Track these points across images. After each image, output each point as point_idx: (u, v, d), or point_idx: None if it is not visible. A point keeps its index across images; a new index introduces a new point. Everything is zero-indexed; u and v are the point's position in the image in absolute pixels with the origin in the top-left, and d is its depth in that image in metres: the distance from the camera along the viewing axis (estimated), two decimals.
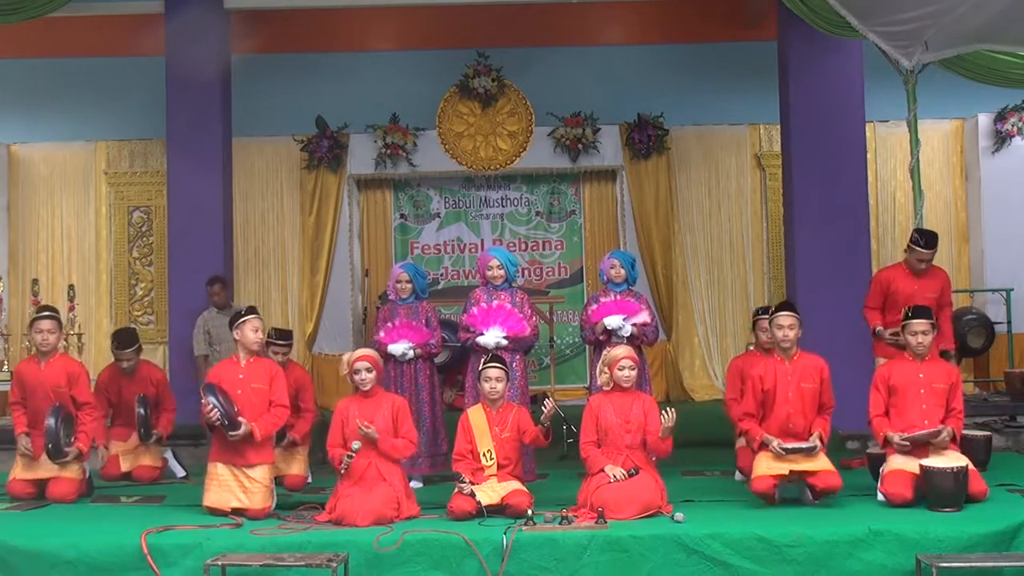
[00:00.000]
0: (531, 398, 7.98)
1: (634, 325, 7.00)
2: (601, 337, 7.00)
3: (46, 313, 6.73)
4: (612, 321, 6.97)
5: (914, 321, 6.08)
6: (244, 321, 6.11)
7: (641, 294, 7.41)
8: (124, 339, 7.58)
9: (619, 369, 5.88)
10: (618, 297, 7.16)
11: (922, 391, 5.98)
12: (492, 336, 6.87)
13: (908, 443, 5.80)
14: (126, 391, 7.51)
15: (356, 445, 5.70)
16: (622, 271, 7.25)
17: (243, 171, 10.69)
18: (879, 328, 7.06)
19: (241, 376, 6.04)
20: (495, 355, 6.15)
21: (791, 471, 5.79)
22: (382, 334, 7.11)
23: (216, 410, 5.77)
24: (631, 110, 10.88)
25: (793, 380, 6.02)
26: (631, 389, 5.95)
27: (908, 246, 7.05)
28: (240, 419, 5.86)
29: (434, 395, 7.21)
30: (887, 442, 5.92)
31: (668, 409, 5.72)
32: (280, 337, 7.45)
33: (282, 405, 6.11)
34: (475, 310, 7.00)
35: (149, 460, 7.39)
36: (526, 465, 6.40)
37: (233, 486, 5.87)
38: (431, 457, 7.06)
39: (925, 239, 6.97)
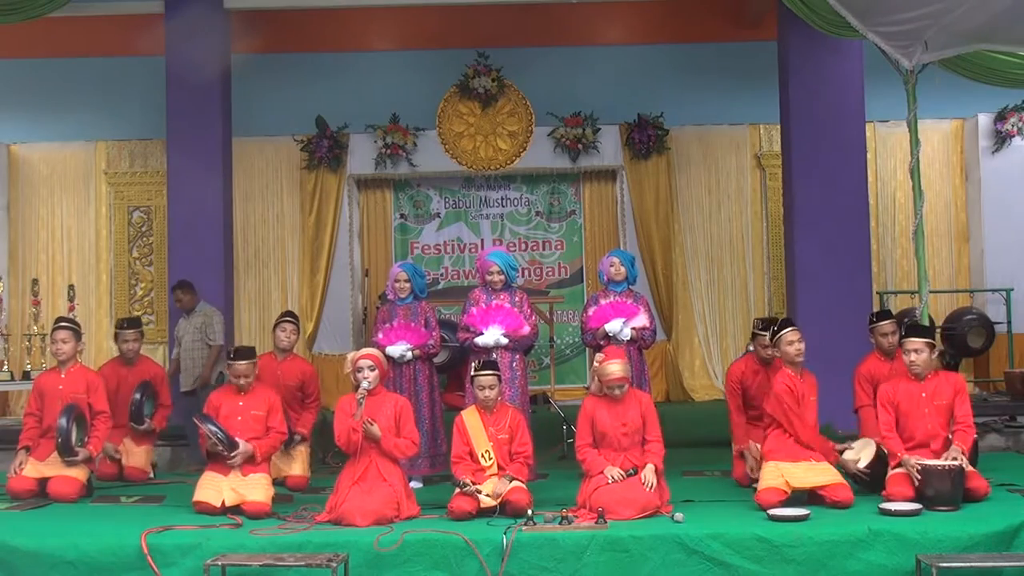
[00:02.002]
0: (531, 398, 7.98)
1: (633, 329, 6.99)
2: (601, 342, 6.99)
3: (62, 324, 6.81)
4: (612, 326, 6.96)
5: (908, 339, 5.96)
6: (230, 365, 6.29)
7: (641, 294, 7.39)
8: (126, 321, 7.81)
9: (608, 388, 5.85)
10: (617, 298, 7.14)
11: (926, 411, 5.90)
12: (491, 335, 6.85)
13: (920, 472, 5.63)
14: (124, 387, 7.47)
15: (364, 384, 5.76)
16: (622, 269, 7.24)
17: (243, 171, 10.70)
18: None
19: (241, 403, 6.23)
20: (487, 361, 6.09)
21: (800, 487, 5.76)
22: (380, 335, 7.10)
23: (215, 437, 5.92)
24: (631, 110, 10.87)
25: (806, 395, 6.03)
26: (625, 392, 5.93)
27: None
28: (237, 440, 6.01)
29: (433, 396, 7.20)
30: (900, 463, 5.79)
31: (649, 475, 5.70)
32: (288, 315, 7.70)
33: (279, 432, 6.32)
34: (474, 310, 6.99)
35: (140, 462, 7.39)
36: None
37: (227, 486, 5.90)
38: (430, 458, 7.06)
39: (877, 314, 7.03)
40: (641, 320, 7.04)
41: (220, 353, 8.25)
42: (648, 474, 5.66)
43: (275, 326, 7.63)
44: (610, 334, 6.94)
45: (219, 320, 8.48)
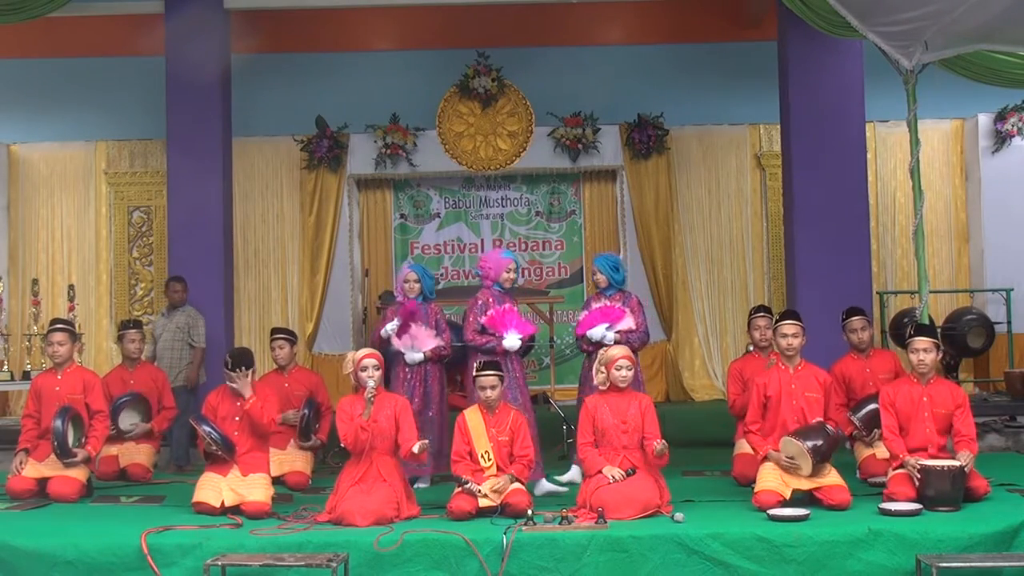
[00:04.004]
0: (531, 398, 7.97)
1: (618, 332, 6.90)
2: (590, 348, 6.93)
3: (58, 325, 6.82)
4: (595, 333, 6.90)
5: (917, 339, 5.94)
6: (224, 372, 6.25)
7: (632, 295, 7.26)
8: (131, 322, 7.88)
9: (616, 369, 5.87)
10: (606, 302, 7.06)
11: (925, 415, 5.88)
12: (513, 340, 6.78)
13: (920, 472, 5.64)
14: (128, 391, 7.53)
15: (371, 384, 5.75)
16: (602, 277, 7.13)
17: (243, 171, 10.70)
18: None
19: (238, 403, 6.20)
20: (488, 362, 6.07)
21: (798, 488, 5.75)
22: (397, 337, 7.10)
23: (211, 439, 5.92)
24: (631, 110, 10.87)
25: (797, 389, 6.02)
26: (628, 389, 5.94)
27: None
28: (234, 443, 6.02)
29: (442, 395, 7.24)
30: (902, 464, 5.80)
31: (658, 443, 5.68)
32: (278, 332, 7.72)
33: (271, 418, 6.26)
34: (492, 312, 6.88)
35: (142, 459, 7.40)
36: None
37: (227, 486, 5.91)
38: (437, 458, 7.04)
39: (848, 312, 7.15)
40: (626, 323, 6.95)
41: (203, 356, 8.34)
42: (656, 444, 5.65)
43: (270, 343, 7.72)
44: (593, 340, 6.90)
45: (202, 323, 8.43)
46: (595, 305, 7.10)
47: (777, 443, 5.92)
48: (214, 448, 5.94)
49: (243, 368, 6.11)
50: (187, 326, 8.32)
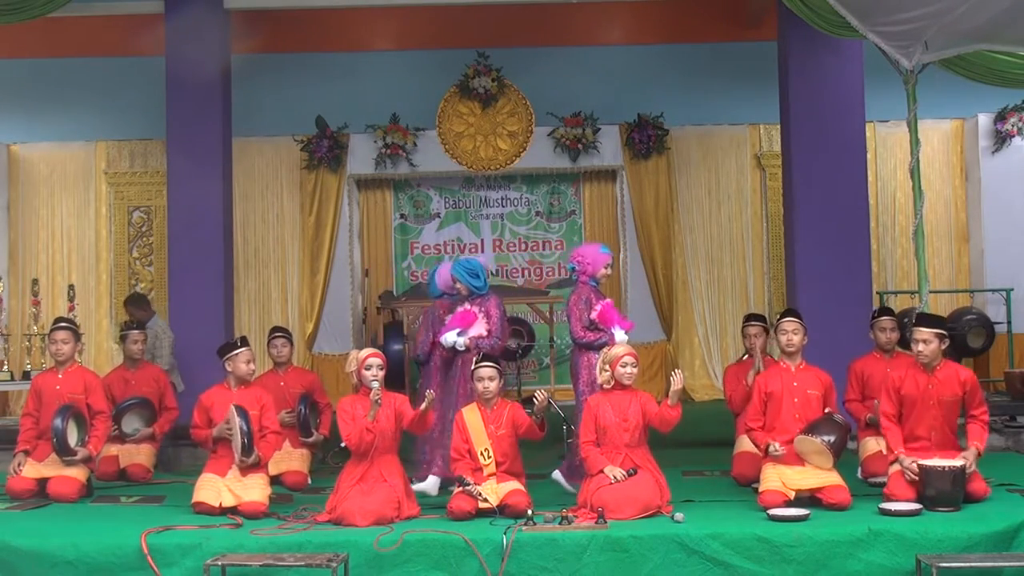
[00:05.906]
0: (528, 399, 7.95)
1: (469, 338, 6.70)
2: (447, 354, 6.79)
3: (61, 324, 6.83)
4: (446, 339, 6.73)
5: (917, 329, 5.92)
6: (237, 353, 6.27)
7: (492, 297, 6.92)
8: (134, 323, 7.88)
9: (621, 366, 5.87)
10: (466, 307, 6.83)
11: (932, 402, 5.86)
12: (622, 335, 6.62)
13: (920, 472, 5.64)
14: (130, 391, 7.55)
15: (376, 385, 5.77)
16: (461, 285, 6.88)
17: (243, 171, 10.70)
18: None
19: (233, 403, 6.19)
20: (486, 354, 6.08)
21: (800, 488, 5.76)
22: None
23: (241, 435, 5.93)
24: (631, 110, 10.88)
25: (799, 387, 6.03)
26: (630, 387, 5.94)
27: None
28: (255, 449, 6.02)
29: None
30: (897, 460, 5.79)
31: (676, 371, 5.76)
32: (277, 330, 7.77)
33: (275, 432, 6.28)
34: (600, 307, 6.70)
35: (143, 459, 7.40)
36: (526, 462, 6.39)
37: (225, 486, 5.91)
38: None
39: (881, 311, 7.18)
40: (477, 328, 6.73)
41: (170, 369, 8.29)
42: (674, 377, 5.72)
43: (268, 343, 7.74)
44: (445, 345, 6.75)
45: (168, 341, 8.32)
46: (459, 309, 6.86)
47: (778, 440, 5.93)
48: (242, 441, 5.91)
49: None
50: (152, 345, 8.21)
